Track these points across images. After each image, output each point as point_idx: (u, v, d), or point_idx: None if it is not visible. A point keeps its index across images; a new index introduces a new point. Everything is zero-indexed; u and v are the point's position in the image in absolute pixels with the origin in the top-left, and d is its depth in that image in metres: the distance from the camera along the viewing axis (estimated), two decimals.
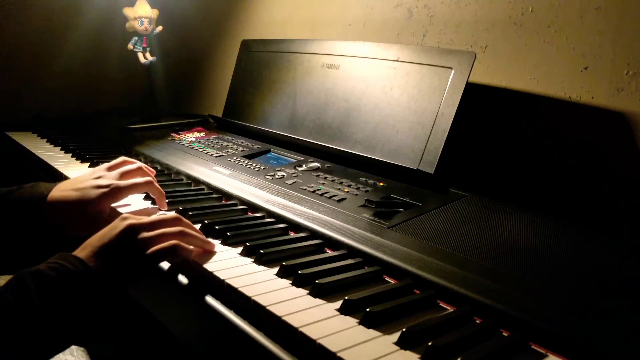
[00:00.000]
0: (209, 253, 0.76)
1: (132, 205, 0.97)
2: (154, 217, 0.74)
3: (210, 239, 0.78)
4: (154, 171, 1.01)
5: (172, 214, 0.77)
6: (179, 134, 1.50)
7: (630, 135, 0.93)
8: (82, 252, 0.68)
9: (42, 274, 0.62)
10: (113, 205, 0.93)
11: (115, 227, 0.70)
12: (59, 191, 0.88)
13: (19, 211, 0.86)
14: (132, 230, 0.70)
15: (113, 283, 0.67)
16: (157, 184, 0.94)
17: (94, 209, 0.87)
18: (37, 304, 0.60)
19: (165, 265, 0.75)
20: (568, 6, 0.99)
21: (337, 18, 1.47)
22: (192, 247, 0.74)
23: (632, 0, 0.91)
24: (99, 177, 0.92)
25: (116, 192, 0.89)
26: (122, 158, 0.99)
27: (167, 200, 0.96)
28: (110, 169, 0.96)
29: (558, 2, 1.01)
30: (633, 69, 0.92)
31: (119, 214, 0.92)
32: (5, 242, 0.87)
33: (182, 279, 0.73)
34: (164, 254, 0.70)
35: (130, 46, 1.68)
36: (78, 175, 0.95)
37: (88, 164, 1.26)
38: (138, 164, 0.98)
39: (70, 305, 0.63)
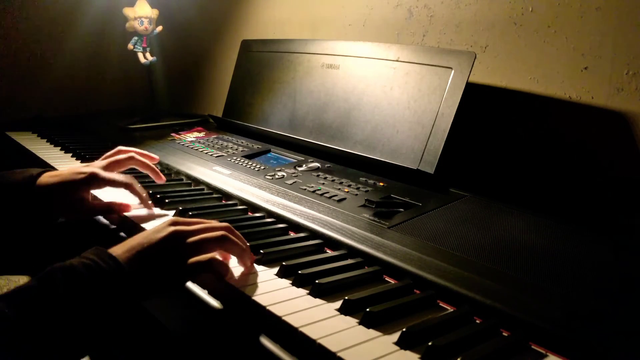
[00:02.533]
0: (244, 267, 0.72)
1: (122, 198, 0.97)
2: (201, 225, 0.71)
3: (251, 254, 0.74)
4: (156, 158, 1.04)
5: (221, 223, 0.74)
6: (179, 134, 1.50)
7: (630, 135, 0.93)
8: (120, 250, 0.65)
9: (74, 270, 0.60)
10: (106, 201, 0.95)
11: (159, 231, 0.68)
12: (47, 177, 0.90)
13: (10, 193, 0.88)
14: (176, 236, 0.67)
15: (146, 289, 0.65)
16: (138, 188, 0.93)
17: (74, 194, 0.90)
18: (66, 301, 0.57)
19: None
20: (568, 6, 0.99)
21: (337, 18, 1.47)
22: (229, 266, 0.70)
23: (632, 0, 0.91)
24: (86, 166, 0.95)
25: (94, 179, 0.90)
26: (117, 148, 1.02)
27: (167, 200, 0.96)
28: (104, 158, 1.00)
29: (558, 2, 1.01)
30: (633, 69, 0.92)
31: (103, 204, 0.94)
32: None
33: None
34: (201, 268, 0.67)
35: (130, 46, 1.68)
36: None
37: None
38: (130, 153, 1.00)
39: (99, 305, 0.60)
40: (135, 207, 0.94)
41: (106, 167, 0.97)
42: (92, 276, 0.60)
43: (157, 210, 0.95)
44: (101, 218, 0.95)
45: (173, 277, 0.67)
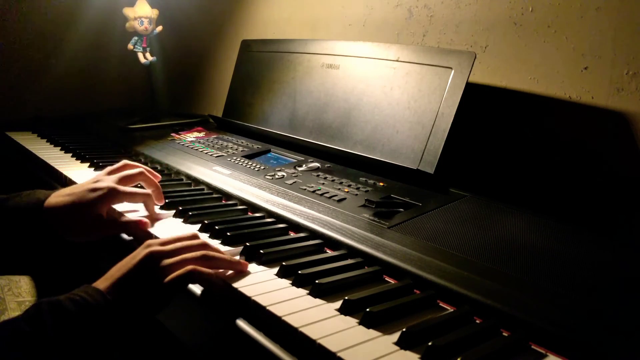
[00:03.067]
0: (241, 273, 0.71)
1: (141, 212, 0.94)
2: (177, 244, 0.70)
3: (242, 260, 0.74)
4: (159, 176, 0.98)
5: (197, 240, 0.73)
6: (179, 134, 1.50)
7: (630, 135, 0.93)
8: (103, 283, 0.65)
9: (60, 306, 0.60)
10: (120, 210, 0.92)
11: (135, 256, 0.68)
12: (56, 197, 0.86)
13: (17, 218, 0.84)
14: (152, 258, 0.67)
15: (132, 316, 0.65)
16: (152, 204, 0.92)
17: (91, 212, 0.85)
18: (52, 337, 0.58)
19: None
20: (568, 6, 0.99)
21: (337, 18, 1.47)
22: (211, 270, 0.69)
23: (632, 0, 0.91)
24: (97, 181, 0.90)
25: (113, 195, 0.87)
26: (123, 162, 0.97)
27: (167, 201, 0.96)
28: (110, 173, 0.94)
29: (558, 2, 1.01)
30: (633, 69, 0.92)
31: (120, 216, 0.91)
32: (3, 249, 0.86)
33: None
34: (182, 281, 0.67)
35: (130, 46, 1.68)
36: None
37: (88, 164, 1.26)
38: (140, 168, 0.95)
39: (86, 338, 0.61)
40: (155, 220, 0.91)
41: (119, 183, 0.91)
42: (80, 312, 0.61)
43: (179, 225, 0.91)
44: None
45: (156, 297, 0.66)
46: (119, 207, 0.95)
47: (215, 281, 0.68)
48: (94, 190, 0.86)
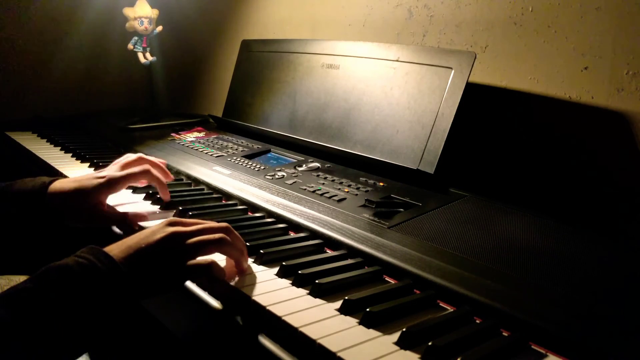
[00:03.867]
0: (241, 271, 0.71)
1: (132, 205, 0.97)
2: (199, 226, 0.70)
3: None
4: (164, 161, 1.03)
5: (220, 223, 0.73)
6: (179, 134, 1.50)
7: (630, 135, 0.93)
8: (117, 249, 0.64)
9: (69, 269, 0.59)
10: (112, 203, 0.94)
11: (157, 232, 0.67)
12: (60, 183, 0.89)
13: (21, 200, 0.87)
14: (175, 238, 0.66)
15: (142, 289, 0.64)
16: (155, 172, 0.94)
17: (92, 200, 0.88)
18: (61, 301, 0.57)
19: None
20: (568, 6, 0.99)
21: (337, 18, 1.47)
22: (226, 271, 0.69)
23: (632, 0, 0.91)
24: (100, 171, 0.94)
25: (112, 182, 0.89)
26: (126, 155, 1.01)
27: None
28: (113, 165, 0.98)
29: (558, 2, 1.01)
30: (633, 69, 0.92)
31: (118, 213, 0.92)
32: (7, 233, 0.88)
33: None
34: (201, 270, 0.67)
35: (130, 46, 1.68)
36: None
37: (88, 164, 1.26)
38: (138, 154, 0.99)
39: (94, 304, 0.59)
40: (149, 214, 0.92)
41: (119, 170, 0.95)
42: (88, 276, 0.59)
43: (155, 210, 0.95)
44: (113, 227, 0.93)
45: (170, 278, 0.66)
46: (119, 200, 0.97)
47: (223, 281, 0.68)
48: (95, 178, 0.90)
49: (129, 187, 1.02)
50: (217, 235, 0.69)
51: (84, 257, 0.61)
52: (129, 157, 0.99)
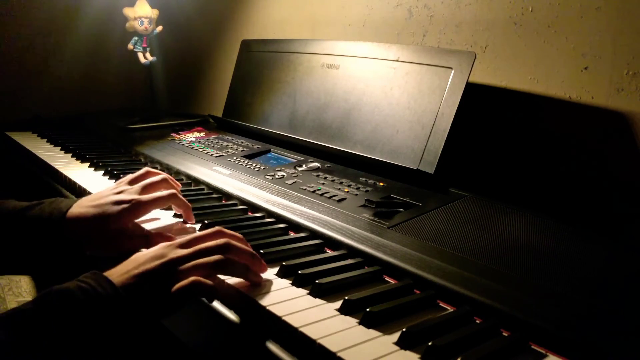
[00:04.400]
0: (257, 277, 0.68)
1: (161, 220, 0.92)
2: (196, 247, 0.68)
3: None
4: (179, 184, 0.94)
5: (219, 239, 0.69)
6: (179, 134, 1.50)
7: (630, 135, 0.93)
8: (117, 276, 0.63)
9: (70, 294, 0.59)
10: (138, 221, 0.88)
11: (157, 257, 0.66)
12: (78, 207, 0.82)
13: (38, 228, 0.81)
14: (172, 264, 0.65)
15: (140, 315, 0.63)
16: (181, 197, 0.88)
17: (115, 225, 0.81)
18: (60, 326, 0.57)
19: None
20: (568, 6, 0.99)
21: (337, 18, 1.47)
22: (212, 283, 0.65)
23: (632, 0, 0.91)
24: (120, 192, 0.85)
25: (138, 207, 0.83)
26: (145, 169, 0.93)
27: None
28: (132, 182, 0.90)
29: (558, 2, 1.01)
30: (633, 69, 0.92)
31: (142, 230, 0.86)
32: (22, 259, 0.85)
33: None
34: (187, 292, 0.64)
35: (130, 46, 1.68)
36: (100, 191, 0.89)
37: (88, 164, 1.26)
38: (162, 175, 0.91)
39: (94, 330, 0.59)
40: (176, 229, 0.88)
41: (142, 192, 0.87)
42: (89, 301, 0.59)
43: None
44: None
45: (169, 303, 0.64)
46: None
47: (218, 293, 0.66)
48: (119, 203, 0.82)
49: None
50: (212, 259, 0.66)
51: (86, 282, 0.61)
52: (153, 178, 0.90)
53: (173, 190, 0.87)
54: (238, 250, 0.69)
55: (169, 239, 0.81)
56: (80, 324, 0.58)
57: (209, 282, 0.65)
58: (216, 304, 0.66)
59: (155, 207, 0.86)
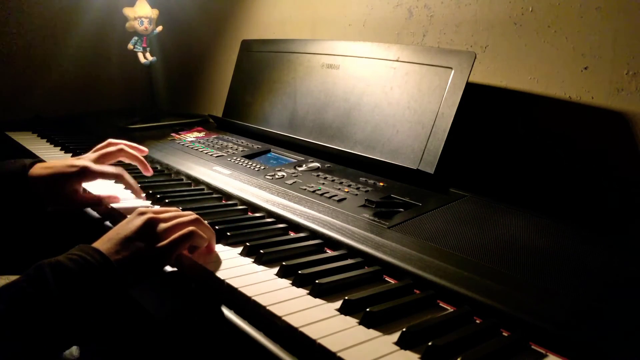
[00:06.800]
0: (210, 251, 0.76)
1: (111, 190, 1.02)
2: (171, 213, 0.75)
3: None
4: (145, 150, 1.07)
5: (189, 212, 0.78)
6: (179, 134, 1.50)
7: (630, 135, 0.93)
8: (102, 244, 0.68)
9: (61, 265, 0.62)
10: (96, 193, 0.98)
11: (131, 221, 0.72)
12: (38, 168, 0.92)
13: (3, 181, 0.89)
14: (151, 224, 0.71)
15: (132, 276, 0.68)
16: (128, 177, 0.97)
17: (66, 186, 0.92)
18: (56, 296, 0.60)
19: (168, 268, 0.75)
20: (568, 6, 0.99)
21: (337, 18, 1.47)
22: (206, 236, 0.75)
23: (632, 0, 0.91)
24: (78, 158, 0.98)
25: (85, 173, 0.93)
26: (108, 140, 1.05)
27: (167, 200, 0.96)
28: (95, 151, 1.03)
29: (558, 2, 1.01)
30: (633, 69, 0.92)
31: (93, 196, 0.98)
32: None
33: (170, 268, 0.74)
34: (180, 242, 0.71)
35: (130, 46, 1.68)
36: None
37: None
38: (120, 145, 1.03)
39: (88, 297, 0.62)
40: (123, 198, 0.98)
41: (97, 160, 1.00)
42: (81, 270, 0.62)
43: (143, 202, 0.99)
44: (89, 210, 0.98)
45: (152, 261, 0.70)
46: (105, 189, 1.03)
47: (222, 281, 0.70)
48: (70, 166, 0.93)
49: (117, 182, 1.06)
50: (191, 217, 0.74)
51: (74, 254, 0.64)
52: (110, 148, 1.03)
53: (120, 172, 0.96)
54: (205, 227, 0.76)
55: (117, 199, 0.96)
56: (75, 292, 0.61)
57: (203, 234, 0.73)
58: (225, 310, 0.66)
59: (102, 177, 0.96)
